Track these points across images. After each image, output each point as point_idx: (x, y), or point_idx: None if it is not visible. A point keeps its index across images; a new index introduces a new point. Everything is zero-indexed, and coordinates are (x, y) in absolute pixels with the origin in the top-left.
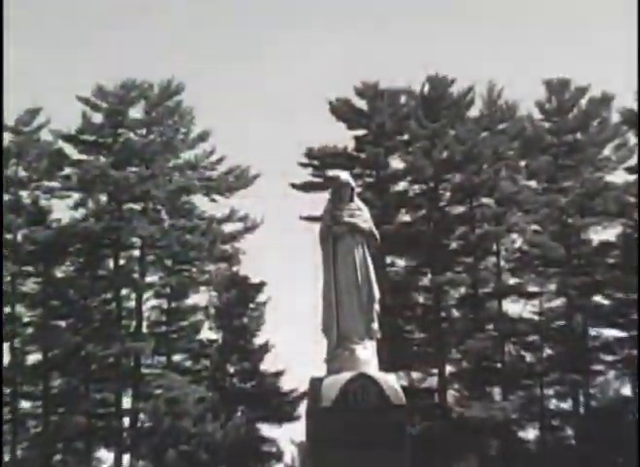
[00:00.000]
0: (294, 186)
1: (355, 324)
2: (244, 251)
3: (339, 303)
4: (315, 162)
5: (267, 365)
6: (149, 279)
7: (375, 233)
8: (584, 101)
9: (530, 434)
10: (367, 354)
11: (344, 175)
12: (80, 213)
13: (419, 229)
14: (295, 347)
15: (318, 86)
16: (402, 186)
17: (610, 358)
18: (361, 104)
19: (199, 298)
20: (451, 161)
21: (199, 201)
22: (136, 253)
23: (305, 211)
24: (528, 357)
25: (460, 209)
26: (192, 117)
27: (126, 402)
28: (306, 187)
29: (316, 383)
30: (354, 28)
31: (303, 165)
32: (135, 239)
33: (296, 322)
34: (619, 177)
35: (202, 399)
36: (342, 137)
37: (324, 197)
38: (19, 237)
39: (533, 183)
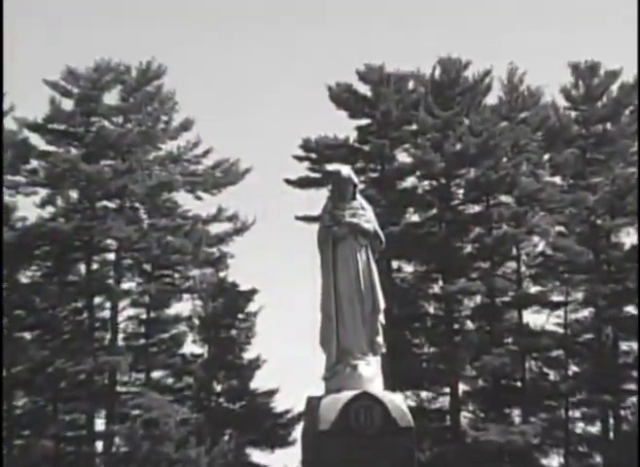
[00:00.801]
0: (289, 182)
1: (357, 337)
2: (233, 255)
3: (340, 313)
4: (312, 155)
5: (259, 383)
6: (125, 286)
7: (380, 234)
8: (614, 87)
9: (554, 461)
10: (370, 371)
11: (345, 170)
12: (48, 212)
13: (429, 230)
14: (290, 363)
15: (316, 70)
16: (410, 182)
17: None
18: (364, 90)
19: (182, 307)
20: (465, 154)
21: (183, 199)
22: (111, 256)
23: (302, 210)
24: (552, 375)
25: (475, 209)
26: (174, 103)
27: (100, 424)
28: (303, 183)
29: (313, 403)
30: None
31: (299, 159)
32: (110, 241)
33: (291, 335)
34: None
35: (185, 421)
36: (343, 127)
37: (322, 194)
38: None
39: (557, 179)
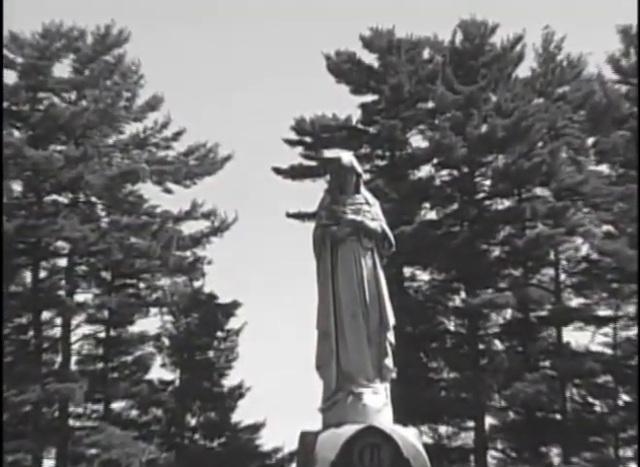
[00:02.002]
0: (278, 171)
1: (362, 360)
2: (210, 260)
3: (341, 330)
4: (307, 139)
5: (242, 415)
6: (80, 298)
7: (390, 235)
8: None
9: None
10: (378, 401)
11: (347, 157)
12: None
13: (449, 230)
14: (279, 391)
15: (311, 35)
16: (425, 171)
17: None
18: (369, 60)
19: (149, 324)
20: (492, 137)
21: (149, 192)
22: (62, 262)
23: (294, 206)
24: (598, 405)
25: (504, 204)
26: (138, 77)
27: (49, 465)
28: (295, 173)
29: (309, 440)
30: None
31: (291, 143)
32: (61, 243)
33: (281, 357)
34: None
35: (153, 462)
36: (344, 105)
37: (319, 186)
38: None
39: (604, 168)
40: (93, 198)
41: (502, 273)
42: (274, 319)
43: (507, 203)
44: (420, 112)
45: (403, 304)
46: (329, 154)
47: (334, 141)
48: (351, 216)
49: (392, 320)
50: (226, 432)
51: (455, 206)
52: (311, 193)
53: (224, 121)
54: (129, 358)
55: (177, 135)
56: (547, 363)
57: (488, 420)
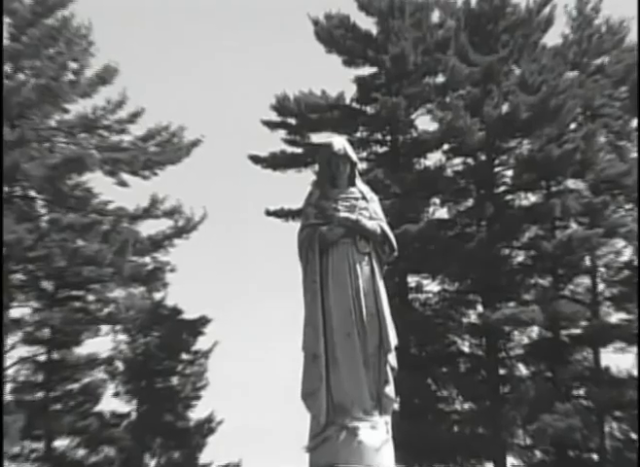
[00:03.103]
0: (256, 160)
1: (357, 388)
2: (174, 267)
3: (332, 353)
4: (291, 121)
5: (212, 455)
6: (15, 313)
7: (391, 237)
8: None
9: None
10: (376, 437)
11: (339, 142)
12: None
13: (463, 230)
14: (256, 426)
15: None
16: (434, 160)
17: None
18: (366, 24)
19: (99, 344)
20: (515, 118)
21: (100, 184)
22: None
23: (275, 202)
24: None
25: (530, 199)
26: (88, 44)
27: None
28: (276, 161)
29: None
30: None
31: (271, 126)
32: None
33: (259, 384)
34: None
35: None
36: (336, 79)
37: (306, 178)
38: None
39: None
40: (32, 192)
41: (527, 283)
42: (251, 339)
43: (533, 198)
44: (428, 88)
45: (407, 320)
46: (317, 139)
47: (323, 123)
48: (344, 214)
49: (394, 340)
50: None
51: (470, 202)
52: (296, 186)
53: (190, 99)
54: (76, 386)
55: (134, 116)
56: (581, 391)
57: (510, 461)
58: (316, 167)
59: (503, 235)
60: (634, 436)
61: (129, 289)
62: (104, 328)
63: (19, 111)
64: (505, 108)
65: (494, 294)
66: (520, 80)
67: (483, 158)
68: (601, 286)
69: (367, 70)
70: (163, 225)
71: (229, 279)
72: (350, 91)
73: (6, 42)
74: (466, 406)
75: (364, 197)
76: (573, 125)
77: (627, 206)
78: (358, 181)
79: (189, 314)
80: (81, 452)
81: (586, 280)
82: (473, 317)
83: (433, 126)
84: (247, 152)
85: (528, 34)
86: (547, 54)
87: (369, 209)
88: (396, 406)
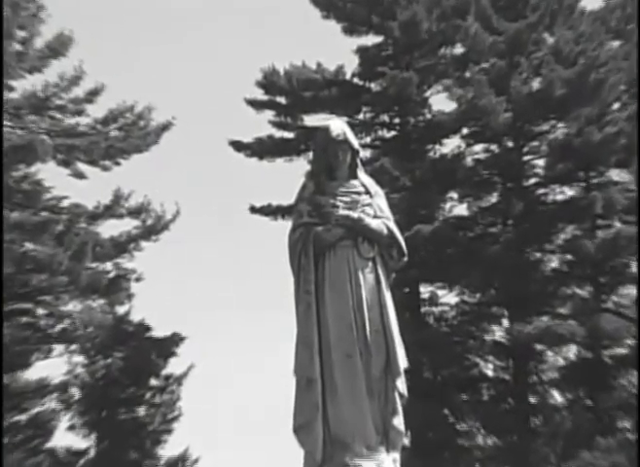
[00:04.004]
0: (238, 147)
1: (359, 419)
2: (141, 275)
3: (329, 377)
4: (280, 100)
5: None
6: None
7: (400, 239)
8: None
9: None
10: None
11: (337, 125)
12: None
13: (485, 231)
14: (240, 464)
15: None
16: (452, 146)
17: None
18: None
19: (52, 367)
20: (548, 97)
21: (52, 176)
22: None
23: (261, 197)
24: None
25: (565, 193)
26: (38, 8)
27: None
28: (263, 149)
29: None
30: None
31: (257, 106)
32: None
33: (242, 415)
34: None
35: None
36: (334, 50)
37: (298, 168)
38: None
39: None
40: None
41: (562, 293)
42: (234, 361)
43: (569, 192)
44: (444, 60)
45: (419, 338)
46: (312, 121)
47: (319, 103)
48: (344, 211)
49: (403, 362)
50: None
51: (494, 197)
52: (286, 178)
53: (160, 74)
54: (23, 418)
55: (93, 95)
56: (626, 423)
57: None
58: (310, 156)
59: (533, 237)
60: None
61: (87, 301)
62: (57, 348)
63: None
64: (535, 84)
65: (523, 306)
66: (554, 50)
67: (510, 144)
68: None
69: (371, 39)
70: (128, 225)
71: (207, 289)
72: (351, 65)
73: None
74: (490, 441)
75: (367, 192)
76: (616, 105)
77: None
78: (360, 172)
79: (158, 331)
80: None
81: (632, 290)
82: (498, 334)
83: (450, 107)
84: (228, 137)
85: None
86: (585, 20)
87: (373, 206)
88: (406, 441)
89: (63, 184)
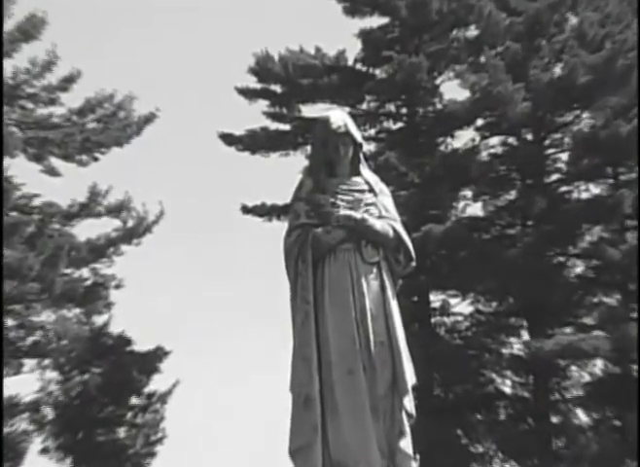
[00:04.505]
0: (229, 140)
1: (362, 440)
2: (120, 282)
3: (329, 396)
4: (275, 89)
5: None
6: None
7: (408, 242)
8: None
9: None
10: None
11: (339, 117)
12: None
13: (502, 232)
14: None
15: None
16: (465, 138)
17: None
18: None
19: (22, 384)
20: (571, 84)
21: (22, 173)
22: None
23: (253, 196)
24: None
25: (591, 191)
26: None
27: None
28: (256, 142)
29: None
30: None
31: (250, 95)
32: None
33: (233, 436)
34: None
35: None
36: (335, 33)
37: (294, 164)
38: None
39: None
40: None
41: (587, 302)
42: (223, 377)
43: (595, 190)
44: (457, 44)
45: (429, 351)
46: (310, 112)
47: (318, 91)
48: (346, 211)
49: (411, 378)
50: None
51: (513, 195)
52: (282, 174)
53: (142, 59)
54: None
55: (68, 82)
56: None
57: None
58: (308, 150)
59: (556, 239)
60: None
61: (62, 311)
62: (28, 363)
63: None
64: (557, 70)
65: (544, 316)
66: (578, 33)
67: (529, 136)
68: None
69: (375, 21)
70: (107, 226)
71: (193, 298)
72: (354, 49)
73: None
74: (508, 465)
75: (371, 190)
76: None
77: None
78: (364, 168)
79: (140, 345)
80: None
81: None
82: (516, 347)
83: (463, 95)
84: (217, 129)
85: None
86: (611, 0)
87: (377, 205)
88: (415, 465)
89: (35, 181)
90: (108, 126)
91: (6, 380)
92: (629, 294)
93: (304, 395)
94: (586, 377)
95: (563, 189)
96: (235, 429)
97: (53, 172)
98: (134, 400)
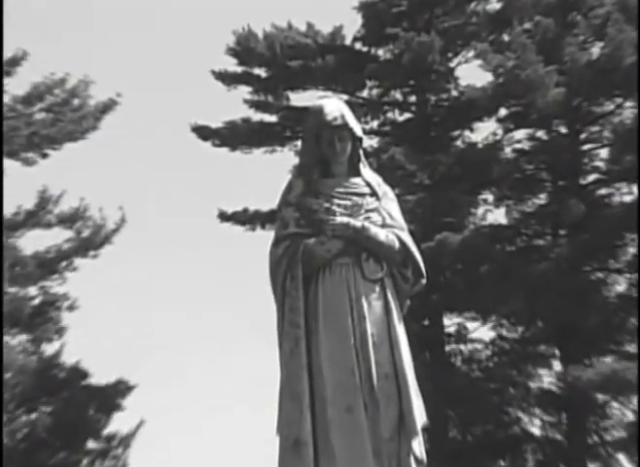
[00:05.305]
0: (203, 133)
1: None
2: (75, 302)
3: (324, 438)
4: (259, 72)
5: None
6: None
7: (416, 255)
8: None
9: None
10: None
11: (335, 106)
12: None
13: (530, 243)
14: None
15: None
16: (485, 132)
17: None
18: None
19: None
20: (612, 67)
21: None
22: None
23: (232, 200)
24: None
25: (635, 193)
26: None
27: None
28: (235, 136)
29: None
30: None
31: (228, 80)
32: None
33: None
34: None
35: None
36: (330, 7)
37: (281, 161)
38: None
39: None
40: None
41: (631, 326)
42: (197, 415)
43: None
44: (476, 19)
45: (443, 385)
46: (301, 101)
47: (310, 76)
48: (343, 218)
49: (421, 417)
50: None
51: (542, 199)
52: (266, 174)
53: (100, 37)
54: None
55: (11, 65)
56: None
57: None
58: (299, 146)
59: (593, 251)
60: None
61: (5, 337)
62: None
63: None
64: (596, 50)
65: (579, 343)
66: (621, 5)
67: (563, 130)
68: None
69: None
70: (58, 237)
71: (161, 321)
72: (353, 26)
73: None
74: None
75: (373, 193)
76: None
77: None
78: (364, 167)
79: (98, 378)
80: None
81: None
82: (546, 380)
83: (483, 80)
84: (190, 121)
85: None
86: None
87: (381, 211)
88: None
89: None
90: (59, 118)
91: None
92: None
93: (294, 438)
94: (630, 416)
95: (602, 191)
96: None
97: None
98: (91, 444)
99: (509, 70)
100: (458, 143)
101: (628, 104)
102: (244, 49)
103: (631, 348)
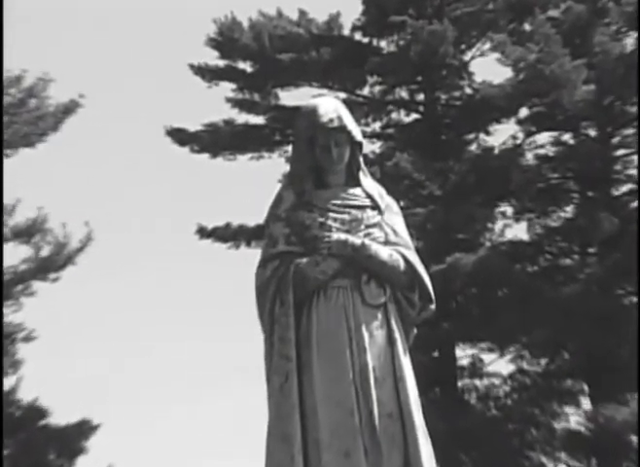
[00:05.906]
0: (180, 137)
1: None
2: (32, 332)
3: None
4: (243, 67)
5: None
6: None
7: (425, 278)
8: None
9: None
10: None
11: (331, 106)
12: None
13: (556, 262)
14: None
15: None
16: (504, 135)
17: None
18: None
19: None
20: None
21: None
22: None
23: (214, 213)
24: None
25: None
26: None
27: None
28: (217, 140)
29: None
30: None
31: (206, 75)
32: None
33: None
34: None
35: None
36: None
37: (271, 168)
38: None
39: None
40: None
41: None
42: (169, 459)
43: None
44: (493, 6)
45: (455, 426)
46: (292, 99)
47: (302, 70)
48: (340, 235)
49: (430, 463)
50: None
51: (569, 212)
52: (252, 185)
53: (61, 28)
54: None
55: None
56: None
57: None
58: (289, 151)
59: (627, 272)
60: None
61: None
62: None
63: None
64: (630, 41)
65: (612, 378)
66: None
67: (592, 133)
68: None
69: None
70: (13, 255)
71: (131, 354)
72: (352, 14)
73: None
74: None
75: (375, 206)
76: None
77: None
78: (365, 176)
79: (59, 418)
80: None
81: None
82: (573, 420)
83: (501, 76)
84: (165, 123)
85: None
86: None
87: (383, 226)
88: None
89: None
90: (15, 119)
91: None
92: None
93: None
94: None
95: (637, 203)
96: None
97: None
98: None
99: (530, 64)
100: (472, 148)
101: None
102: (227, 40)
103: None
